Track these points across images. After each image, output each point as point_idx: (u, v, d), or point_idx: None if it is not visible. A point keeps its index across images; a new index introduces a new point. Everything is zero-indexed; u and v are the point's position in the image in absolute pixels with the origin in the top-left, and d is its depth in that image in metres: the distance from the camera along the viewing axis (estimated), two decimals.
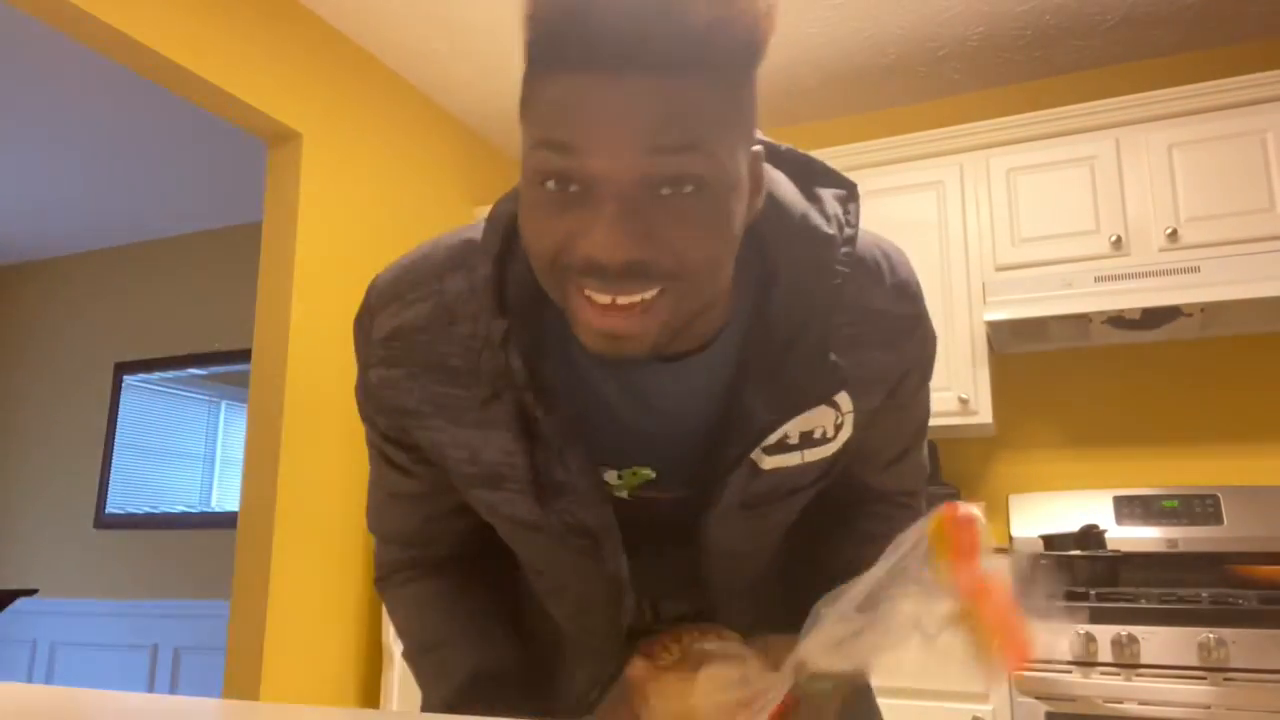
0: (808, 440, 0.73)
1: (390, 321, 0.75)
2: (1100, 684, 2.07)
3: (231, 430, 4.38)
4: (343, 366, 2.65)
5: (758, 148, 0.65)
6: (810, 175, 0.75)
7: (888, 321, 0.75)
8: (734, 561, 0.81)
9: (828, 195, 0.74)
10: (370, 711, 0.63)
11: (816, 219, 0.71)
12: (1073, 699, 2.08)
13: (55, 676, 4.35)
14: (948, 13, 2.71)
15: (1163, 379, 2.75)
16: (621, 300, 0.59)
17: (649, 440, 0.74)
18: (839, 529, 0.88)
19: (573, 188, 0.58)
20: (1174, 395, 2.73)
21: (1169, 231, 2.46)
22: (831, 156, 2.89)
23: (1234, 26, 2.75)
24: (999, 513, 2.84)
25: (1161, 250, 2.47)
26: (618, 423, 0.73)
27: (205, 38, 2.39)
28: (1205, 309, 2.41)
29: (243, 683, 2.42)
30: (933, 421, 2.93)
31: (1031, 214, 2.63)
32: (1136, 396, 2.76)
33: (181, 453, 4.35)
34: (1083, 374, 2.83)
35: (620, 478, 0.76)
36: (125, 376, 4.47)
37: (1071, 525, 2.57)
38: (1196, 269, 2.37)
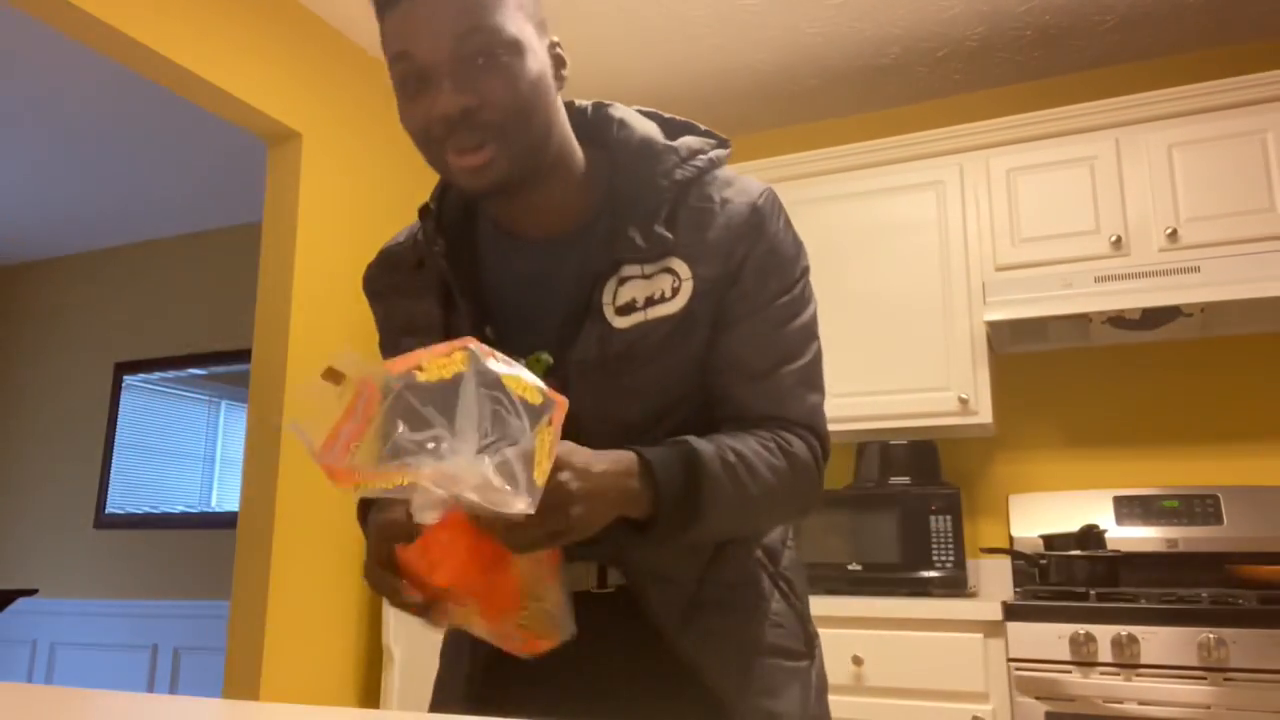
0: (650, 302, 0.90)
1: (383, 250, 1.09)
2: (1100, 684, 2.07)
3: (231, 430, 4.38)
4: None
5: (555, 38, 0.93)
6: (685, 129, 1.00)
7: (724, 209, 0.93)
8: (611, 428, 0.88)
9: (692, 137, 0.98)
10: (370, 711, 0.64)
11: (656, 136, 0.97)
12: (1072, 699, 2.09)
13: (55, 676, 4.35)
14: (948, 13, 2.71)
15: (1163, 379, 2.75)
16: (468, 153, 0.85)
17: (548, 322, 0.93)
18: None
19: (421, 83, 0.85)
20: (1174, 395, 2.73)
21: (1169, 231, 2.46)
22: (831, 156, 2.90)
23: (1234, 26, 2.75)
24: (999, 513, 2.84)
25: (1161, 250, 2.47)
26: (522, 310, 0.95)
27: (205, 38, 2.39)
28: (1205, 309, 2.41)
29: (243, 683, 2.42)
30: (933, 421, 2.93)
31: (1031, 214, 2.63)
32: (1136, 396, 2.76)
33: (181, 453, 4.35)
34: (1083, 374, 2.83)
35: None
36: (125, 376, 4.47)
37: (1071, 525, 2.57)
38: (1196, 269, 2.37)
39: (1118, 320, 2.53)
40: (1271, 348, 2.65)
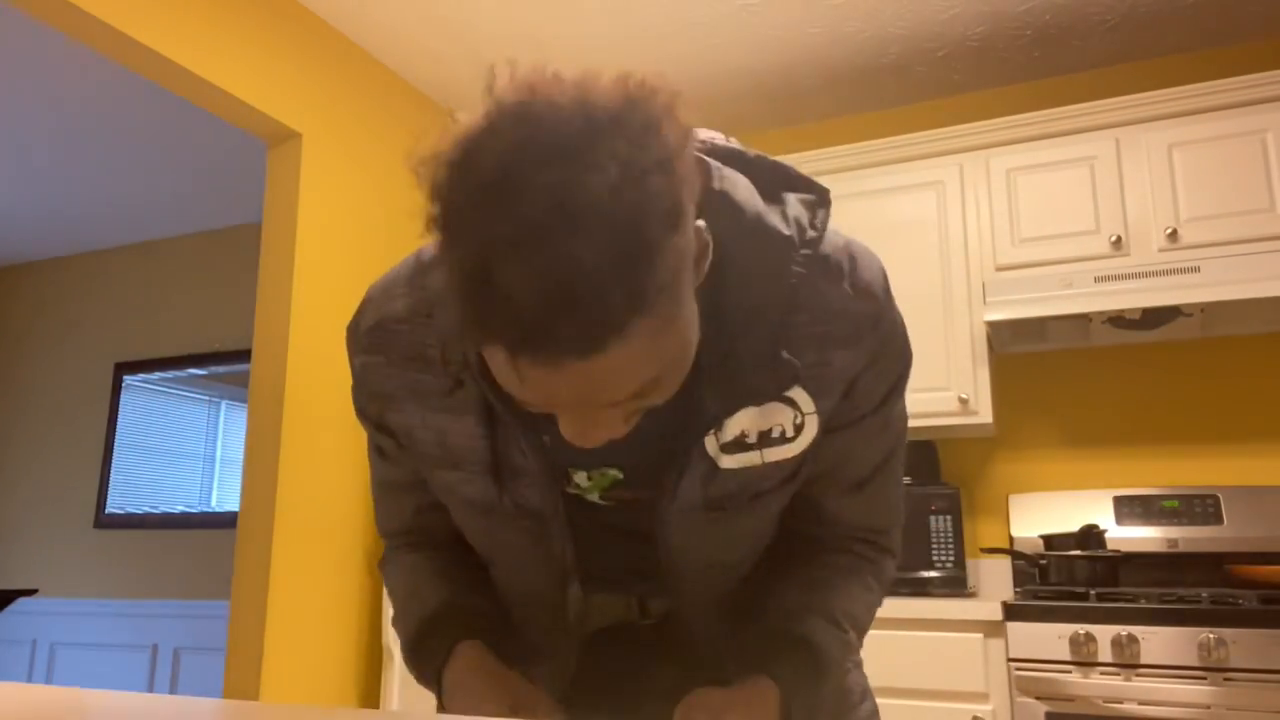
0: (766, 440, 0.74)
1: (375, 315, 0.81)
2: (1100, 684, 2.07)
3: (231, 430, 4.38)
4: (342, 366, 2.64)
5: (701, 223, 0.63)
6: (779, 180, 0.77)
7: (847, 320, 0.74)
8: (706, 567, 0.81)
9: (793, 200, 0.76)
10: (370, 711, 0.63)
11: (773, 220, 0.73)
12: (1072, 699, 2.09)
13: (55, 676, 4.35)
14: (948, 13, 2.71)
15: (1163, 379, 2.75)
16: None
17: (614, 442, 0.74)
18: (797, 567, 0.85)
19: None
20: (1174, 395, 2.73)
21: (1169, 231, 2.46)
22: (831, 156, 2.90)
23: (1234, 26, 2.75)
24: (999, 513, 2.84)
25: (1161, 250, 2.47)
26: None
27: (205, 38, 2.39)
28: (1205, 309, 2.41)
29: (243, 683, 2.42)
30: (933, 421, 2.93)
31: (1031, 214, 2.63)
32: (1136, 396, 2.76)
33: (181, 453, 4.35)
34: (1083, 374, 2.83)
35: (590, 479, 0.79)
36: (125, 376, 4.47)
37: (1071, 525, 2.57)
38: (1196, 269, 2.37)
39: (1118, 320, 2.53)
40: (1271, 348, 2.65)
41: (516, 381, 0.59)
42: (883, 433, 0.81)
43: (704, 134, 0.79)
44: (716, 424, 0.73)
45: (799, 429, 0.74)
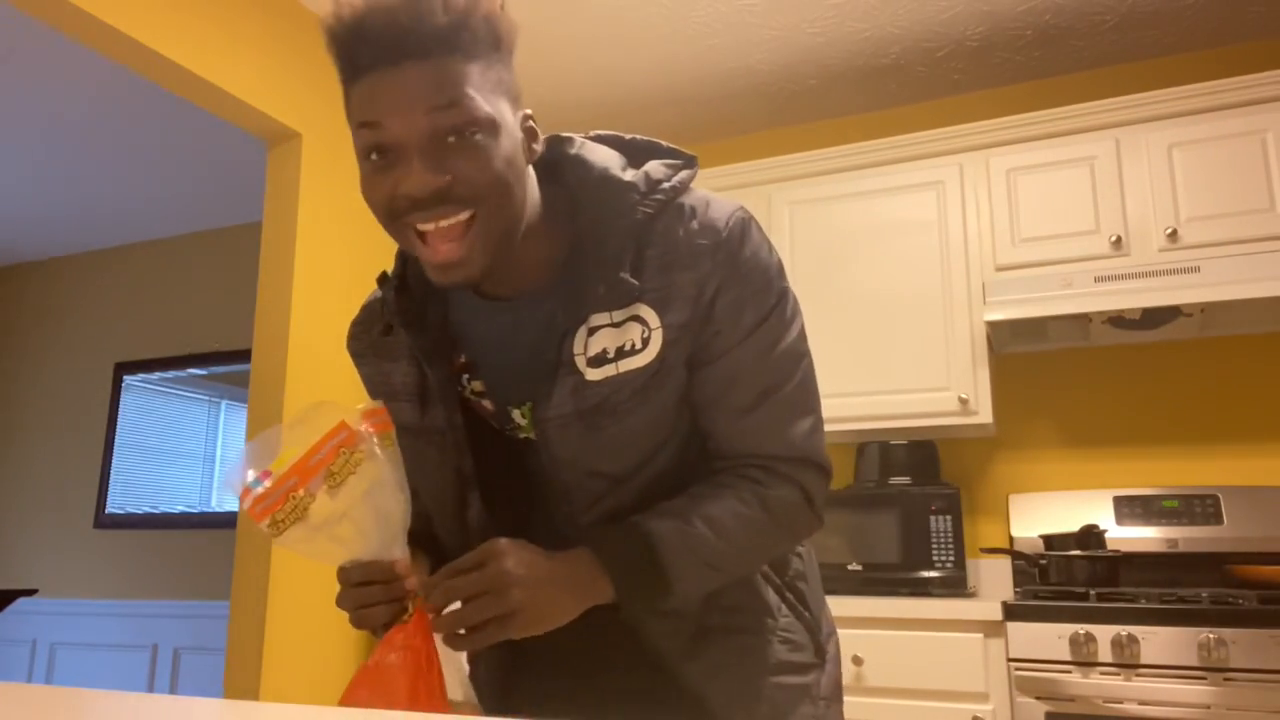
0: (620, 353, 0.88)
1: (365, 306, 1.07)
2: (1100, 684, 2.07)
3: (231, 430, 4.38)
4: (342, 366, 2.64)
5: (527, 111, 0.88)
6: (646, 152, 0.96)
7: (689, 248, 0.89)
8: (587, 475, 0.90)
9: (654, 164, 0.93)
10: (369, 711, 0.64)
11: (615, 171, 0.91)
12: (1072, 699, 2.09)
13: (55, 676, 4.35)
14: (948, 13, 2.71)
15: (1163, 379, 2.75)
16: (442, 224, 0.81)
17: (528, 375, 0.91)
18: (690, 484, 0.93)
19: (388, 155, 0.81)
20: (1174, 395, 2.73)
21: (1169, 231, 2.46)
22: (831, 156, 2.90)
23: (1234, 26, 2.75)
24: (999, 513, 2.84)
25: (1161, 250, 2.47)
26: (506, 366, 0.94)
27: (205, 38, 2.39)
28: (1205, 309, 2.41)
29: (243, 683, 2.42)
30: (933, 421, 2.92)
31: (1031, 214, 2.63)
32: (1136, 396, 2.76)
33: (181, 453, 4.35)
34: (1083, 374, 2.83)
35: (523, 416, 0.94)
36: (125, 376, 4.47)
37: (1071, 525, 2.57)
38: (1196, 269, 2.37)
39: (1118, 320, 2.53)
40: (1271, 348, 2.65)
41: (357, 104, 0.82)
42: (762, 362, 0.91)
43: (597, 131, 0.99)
44: (567, 334, 0.88)
45: (646, 341, 0.88)
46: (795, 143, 3.32)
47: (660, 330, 0.88)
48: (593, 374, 0.87)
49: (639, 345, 0.88)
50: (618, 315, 0.88)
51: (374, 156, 0.82)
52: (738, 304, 0.89)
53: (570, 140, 0.95)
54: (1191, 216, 2.46)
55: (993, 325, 2.58)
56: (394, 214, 0.82)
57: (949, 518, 2.58)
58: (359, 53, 0.80)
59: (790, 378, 0.92)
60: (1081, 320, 2.54)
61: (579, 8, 2.71)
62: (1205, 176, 2.46)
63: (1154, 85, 2.72)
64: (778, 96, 3.19)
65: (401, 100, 0.79)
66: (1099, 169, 2.58)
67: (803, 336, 0.95)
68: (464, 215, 0.81)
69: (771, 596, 0.98)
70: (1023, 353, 2.89)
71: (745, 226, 0.91)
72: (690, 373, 0.90)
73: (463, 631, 0.80)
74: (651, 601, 0.86)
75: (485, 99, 0.81)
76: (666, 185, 0.91)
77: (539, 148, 0.89)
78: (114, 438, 4.41)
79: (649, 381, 0.88)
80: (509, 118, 0.84)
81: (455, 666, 0.85)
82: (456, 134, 0.79)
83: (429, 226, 0.81)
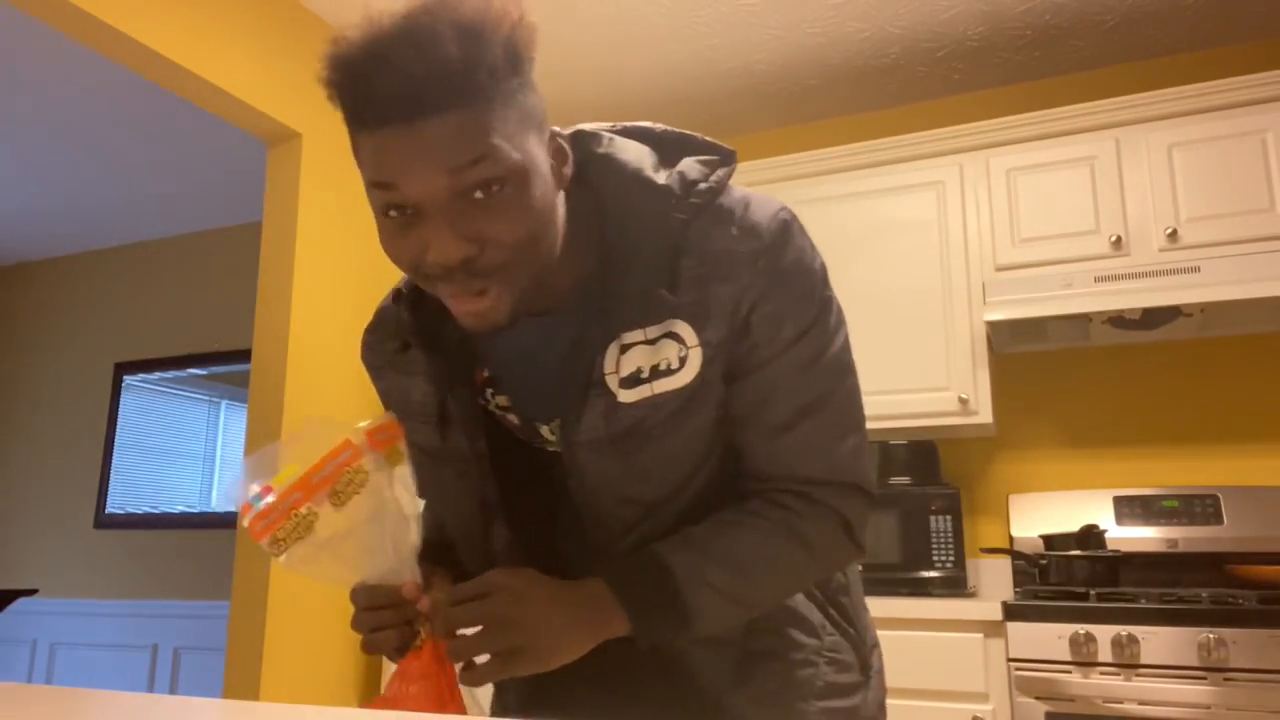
0: (656, 373, 0.81)
1: (378, 312, 1.00)
2: (1100, 684, 2.07)
3: (231, 430, 4.38)
4: (342, 366, 2.65)
5: (554, 129, 0.80)
6: (679, 148, 0.87)
7: (728, 258, 0.82)
8: (618, 503, 0.85)
9: (689, 161, 0.85)
10: (369, 712, 0.64)
11: (649, 174, 0.83)
12: (1072, 699, 2.09)
13: (55, 676, 4.35)
14: (948, 13, 2.71)
15: (1163, 379, 2.75)
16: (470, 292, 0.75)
17: (556, 392, 0.85)
18: (722, 511, 0.87)
19: (408, 212, 0.73)
20: (1174, 395, 2.73)
21: (1169, 231, 2.46)
22: (831, 156, 2.90)
23: (1234, 26, 2.75)
24: (999, 513, 2.84)
25: (1161, 250, 2.47)
26: (533, 382, 0.88)
27: (205, 38, 2.39)
28: (1205, 309, 2.41)
29: (243, 683, 2.42)
30: (933, 421, 2.92)
31: (1031, 214, 2.63)
32: (1136, 396, 2.76)
33: (181, 453, 4.35)
34: (1083, 374, 2.83)
35: (552, 431, 0.89)
36: (125, 376, 4.47)
37: (1071, 525, 2.57)
38: (1196, 269, 2.37)
39: (1118, 320, 2.53)
40: (1271, 348, 2.65)
41: (369, 160, 0.73)
42: (801, 376, 0.84)
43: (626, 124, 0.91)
44: (598, 351, 0.81)
45: (683, 360, 0.81)
46: (795, 143, 3.32)
47: (699, 349, 0.81)
48: (626, 395, 0.81)
49: (675, 365, 0.81)
50: (652, 331, 0.81)
51: (392, 214, 0.74)
52: (777, 315, 0.82)
53: (597, 138, 0.87)
54: (1191, 216, 2.46)
55: (993, 325, 2.58)
56: (426, 277, 0.76)
57: (949, 518, 2.58)
58: (364, 111, 0.71)
59: (832, 393, 0.86)
60: (1081, 320, 2.54)
61: (579, 8, 2.71)
62: (1205, 176, 2.46)
63: (1154, 85, 2.72)
64: (778, 97, 3.19)
65: (418, 162, 0.70)
66: (1099, 169, 2.58)
67: (846, 348, 0.88)
68: (493, 287, 0.75)
69: (815, 614, 0.92)
70: (1023, 353, 2.89)
71: (788, 229, 0.84)
72: (726, 387, 0.84)
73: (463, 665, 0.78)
74: (668, 636, 0.81)
75: (512, 144, 0.72)
76: (703, 186, 0.83)
77: (569, 171, 0.81)
78: (114, 438, 4.41)
79: (686, 404, 0.82)
80: (538, 154, 0.76)
81: (471, 699, 0.82)
82: (484, 189, 0.72)
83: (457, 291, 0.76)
